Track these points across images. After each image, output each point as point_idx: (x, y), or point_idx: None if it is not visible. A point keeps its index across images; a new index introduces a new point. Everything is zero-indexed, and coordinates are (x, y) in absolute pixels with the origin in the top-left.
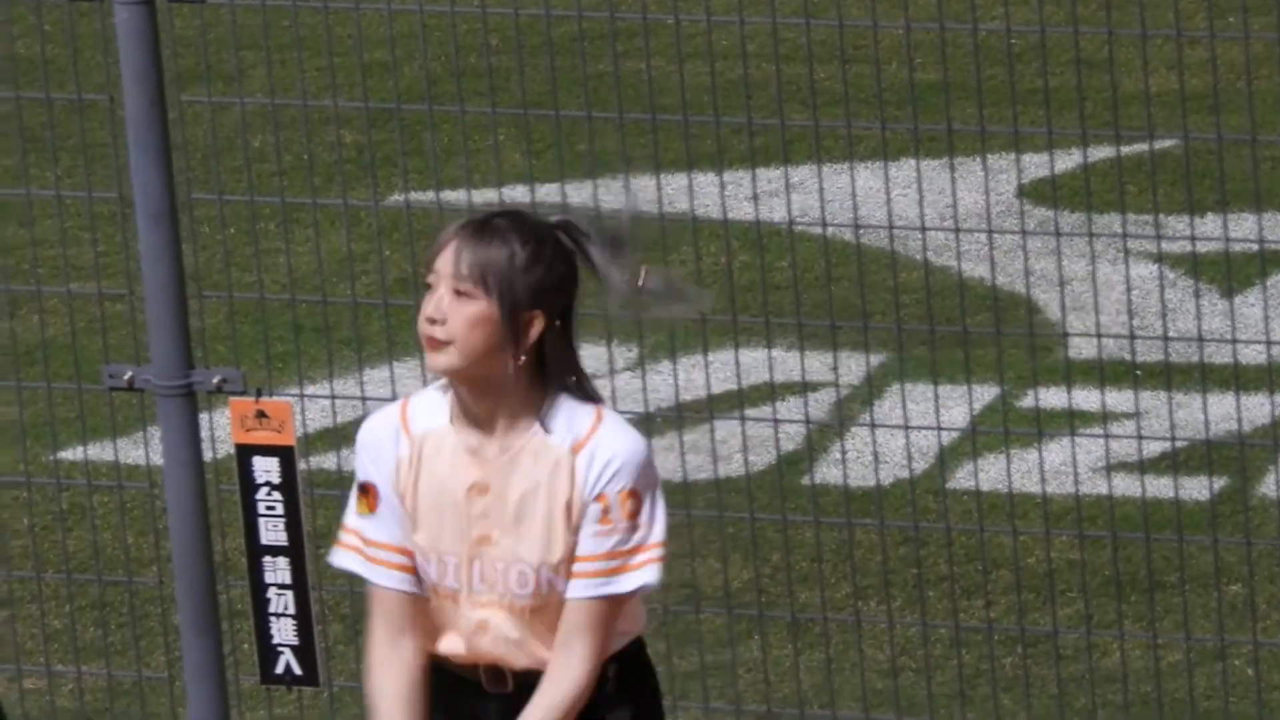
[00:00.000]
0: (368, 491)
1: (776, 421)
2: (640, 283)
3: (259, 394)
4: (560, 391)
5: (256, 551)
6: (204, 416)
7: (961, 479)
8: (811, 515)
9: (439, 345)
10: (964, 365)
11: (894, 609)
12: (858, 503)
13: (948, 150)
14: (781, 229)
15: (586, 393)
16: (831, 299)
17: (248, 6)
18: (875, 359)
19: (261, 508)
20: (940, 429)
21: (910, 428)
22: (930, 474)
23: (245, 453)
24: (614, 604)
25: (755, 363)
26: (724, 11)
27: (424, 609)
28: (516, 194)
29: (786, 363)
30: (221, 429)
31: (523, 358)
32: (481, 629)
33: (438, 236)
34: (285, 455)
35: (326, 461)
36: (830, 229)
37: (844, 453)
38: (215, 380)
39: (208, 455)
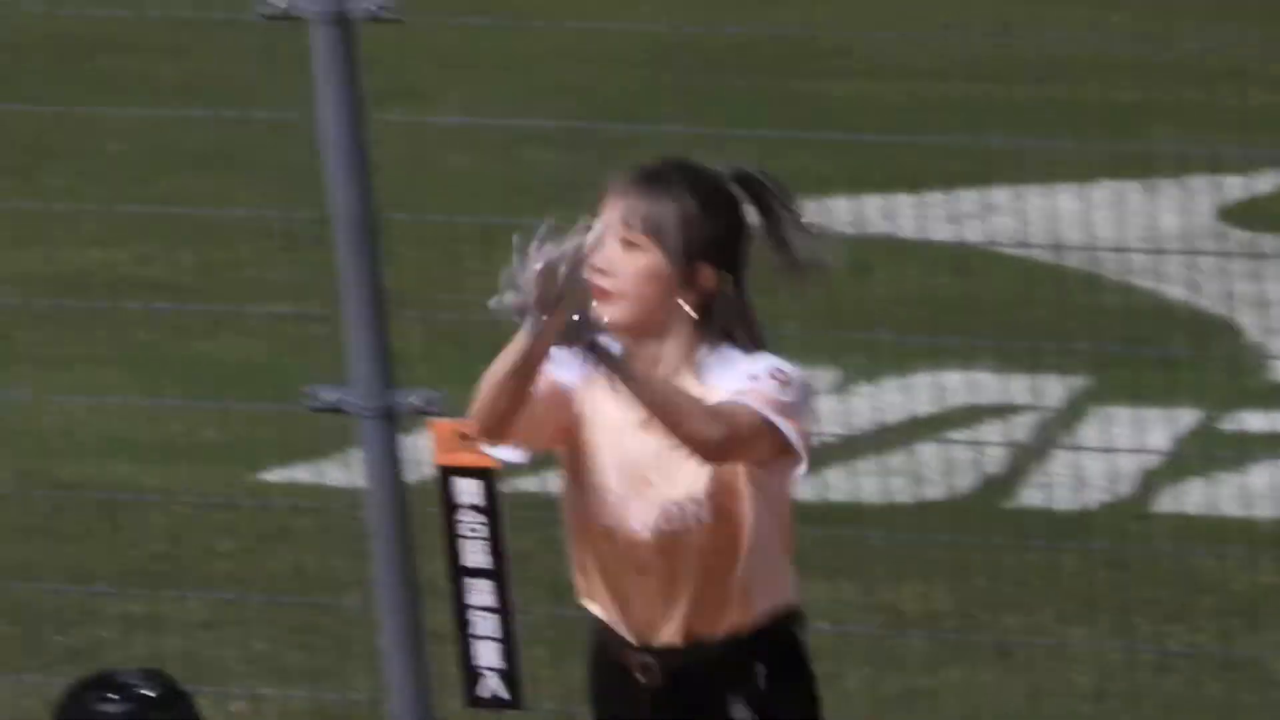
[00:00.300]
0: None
1: (979, 444)
2: (812, 230)
3: (460, 416)
4: (723, 343)
5: (459, 574)
6: (406, 438)
7: (1165, 502)
8: (1015, 539)
9: (607, 296)
10: (1166, 388)
11: (1098, 633)
12: (1061, 526)
13: (1147, 172)
14: (982, 251)
15: (753, 343)
16: (1033, 321)
17: (446, 25)
18: (1077, 381)
19: (464, 530)
20: (1143, 451)
21: (1113, 451)
22: (1134, 497)
23: (447, 475)
24: (760, 423)
25: (957, 385)
26: (922, 31)
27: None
28: None
29: (988, 385)
30: (425, 451)
31: (690, 310)
32: (640, 571)
33: (607, 187)
34: (487, 477)
35: (529, 483)
36: (1031, 251)
37: (1047, 476)
38: (417, 402)
39: (410, 477)
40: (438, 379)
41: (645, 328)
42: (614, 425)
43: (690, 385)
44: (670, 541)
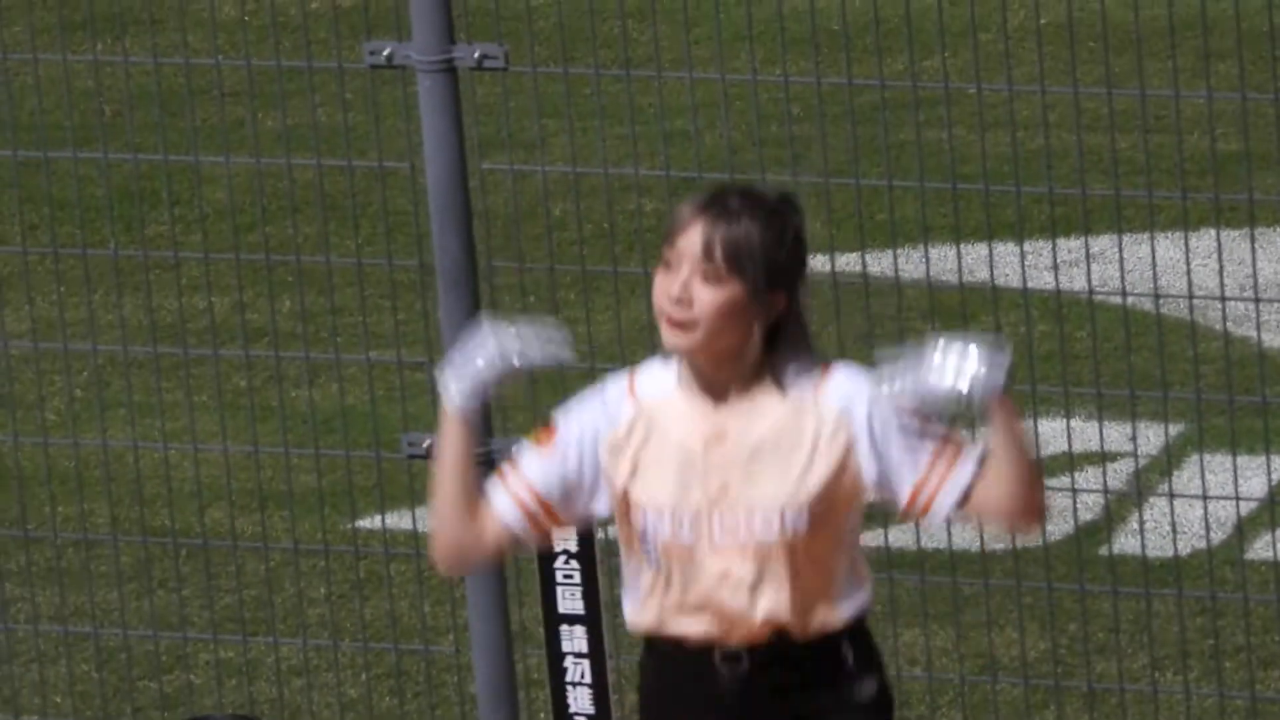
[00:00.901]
0: (549, 429)
1: (1075, 491)
2: None
3: None
4: (791, 359)
5: (553, 620)
6: None
7: (1260, 549)
8: (1109, 585)
9: (683, 326)
10: (1263, 435)
11: (1190, 679)
12: (1155, 573)
13: (1249, 220)
14: (1081, 298)
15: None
16: (1131, 369)
17: (550, 74)
18: (1174, 429)
19: (559, 576)
20: (1239, 499)
21: (1209, 498)
22: (1228, 544)
23: None
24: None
25: (1054, 432)
26: (1026, 81)
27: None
28: (816, 263)
29: (1085, 432)
30: None
31: (761, 333)
32: (723, 579)
33: (674, 214)
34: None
35: None
36: (1130, 299)
37: (1142, 523)
38: (515, 449)
39: None
40: (535, 426)
41: (720, 353)
42: (679, 444)
43: (768, 389)
44: (760, 549)
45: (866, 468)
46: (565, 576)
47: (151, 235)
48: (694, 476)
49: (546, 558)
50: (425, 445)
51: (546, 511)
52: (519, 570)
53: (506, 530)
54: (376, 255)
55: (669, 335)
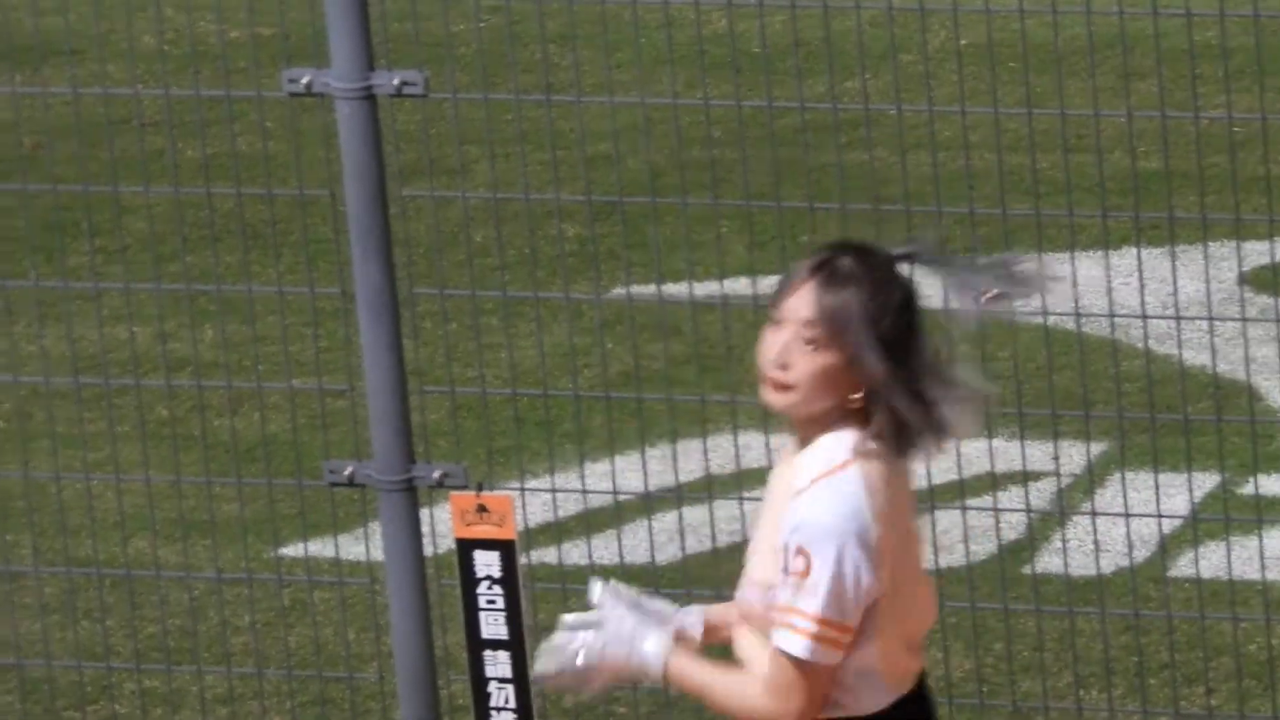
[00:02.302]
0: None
1: (998, 510)
2: (987, 296)
3: (480, 488)
4: (886, 431)
5: (477, 646)
6: (425, 511)
7: (1183, 567)
8: (1033, 604)
9: (782, 389)
10: (1185, 453)
11: (1115, 697)
12: (1079, 591)
13: (1169, 238)
14: (1003, 319)
15: (897, 440)
16: (1053, 388)
17: (470, 100)
18: (1096, 447)
19: (483, 602)
20: (1161, 516)
21: (1131, 515)
22: (1152, 562)
23: (466, 547)
24: (780, 656)
25: (977, 452)
26: (946, 102)
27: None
28: (739, 286)
29: (1008, 452)
30: (442, 524)
31: (856, 401)
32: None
33: (790, 273)
34: (506, 549)
35: (548, 555)
36: (1052, 318)
37: (1065, 541)
38: (436, 475)
39: (428, 550)
40: (458, 452)
41: (813, 419)
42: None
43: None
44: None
45: None
46: (489, 602)
47: (72, 266)
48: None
49: (470, 583)
50: (347, 473)
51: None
52: (443, 596)
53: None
54: (298, 283)
55: (767, 395)
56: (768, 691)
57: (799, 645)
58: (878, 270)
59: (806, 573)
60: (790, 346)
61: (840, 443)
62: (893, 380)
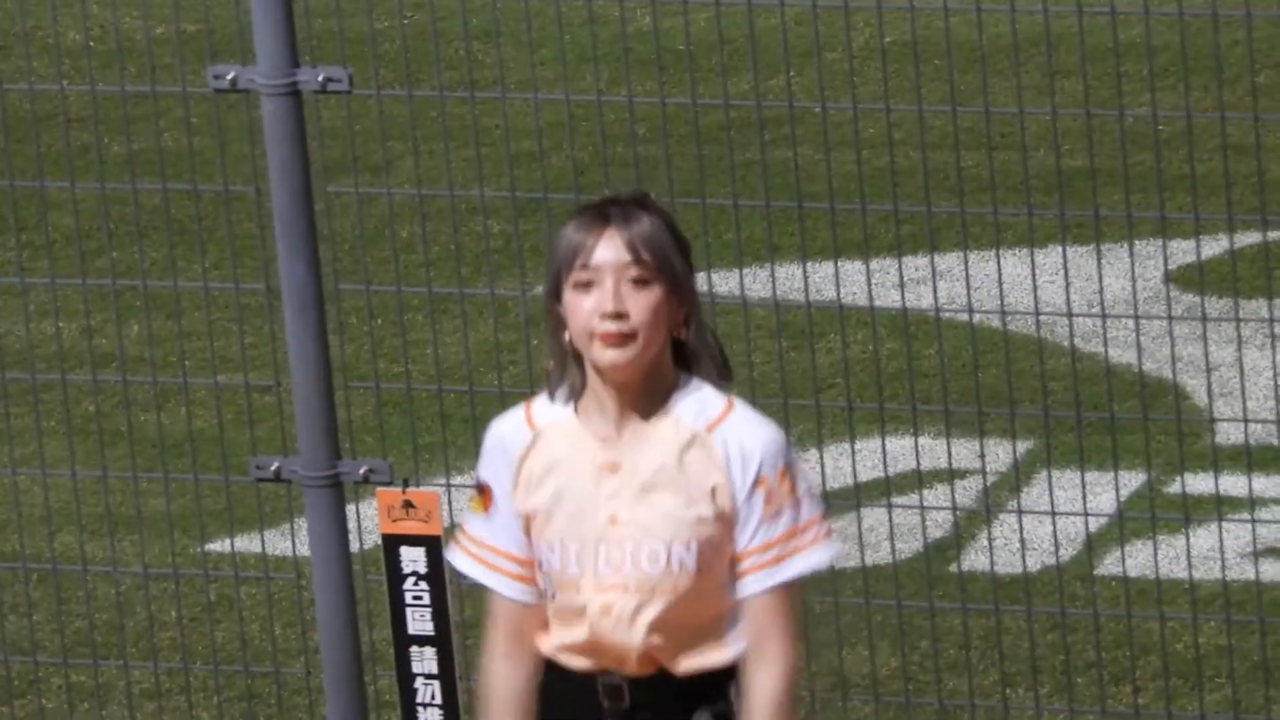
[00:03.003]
0: (483, 492)
1: (924, 509)
2: None
3: (406, 484)
4: (695, 375)
5: (404, 642)
6: (351, 507)
7: (1109, 565)
8: (959, 602)
9: (625, 340)
10: (1111, 452)
11: (1042, 696)
12: (1005, 589)
13: (1095, 237)
14: (928, 316)
15: (721, 375)
16: (979, 386)
17: (394, 97)
18: (1022, 446)
19: (409, 598)
20: (1088, 515)
21: (1058, 514)
22: (1078, 560)
23: (392, 543)
24: (793, 589)
25: (902, 450)
26: (870, 99)
27: (540, 614)
28: None
29: (933, 450)
30: (368, 519)
31: (683, 331)
32: (605, 613)
33: (568, 236)
34: (432, 545)
35: None
36: (977, 316)
37: (991, 540)
38: (362, 471)
39: (355, 546)
40: (384, 448)
41: (647, 366)
42: (571, 474)
43: (663, 417)
44: (643, 584)
45: (737, 511)
46: (415, 598)
47: None
48: (582, 506)
49: (396, 579)
50: (273, 469)
51: (529, 565)
52: (369, 592)
53: (517, 605)
54: (223, 279)
55: (608, 354)
56: (788, 640)
57: (825, 554)
58: (647, 204)
59: (793, 489)
60: (622, 293)
61: (696, 398)
62: (696, 313)
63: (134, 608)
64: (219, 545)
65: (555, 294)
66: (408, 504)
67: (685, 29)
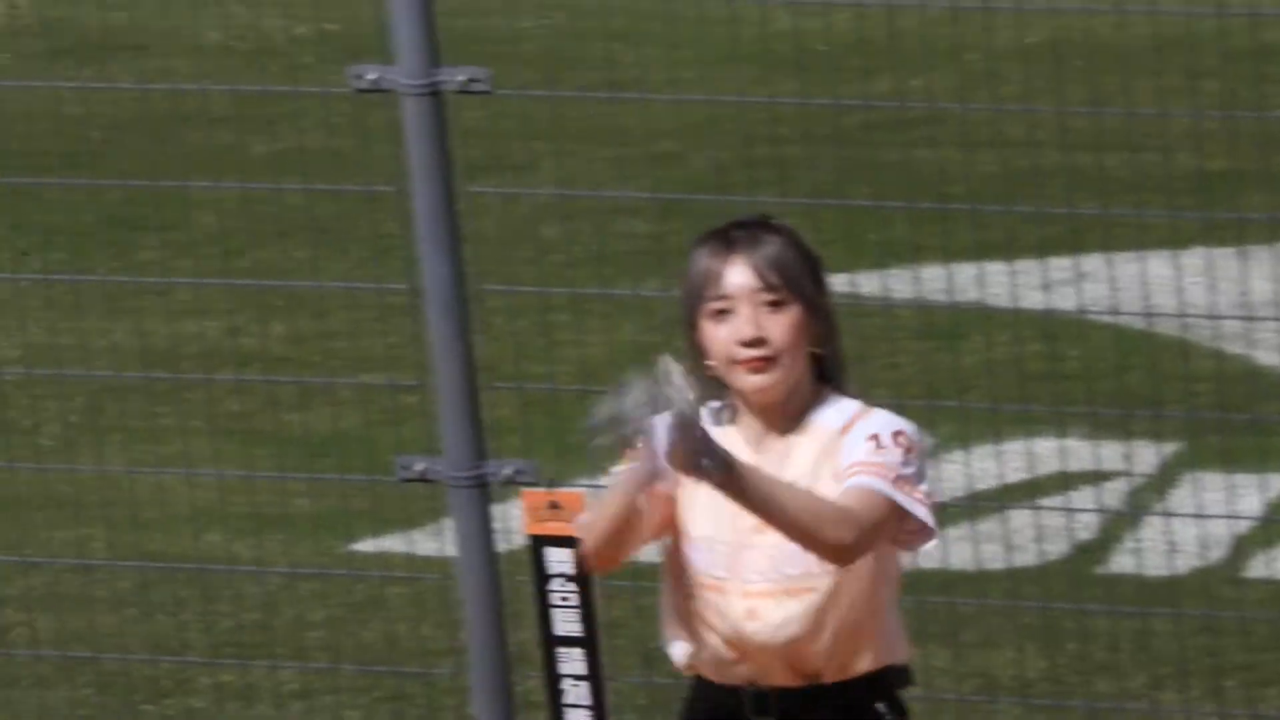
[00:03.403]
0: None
1: (1070, 511)
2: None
3: (551, 485)
4: (833, 385)
5: (551, 643)
6: (498, 508)
7: (1257, 567)
8: (1107, 604)
9: (765, 365)
10: (1257, 453)
11: (1191, 699)
12: (1153, 592)
13: (1239, 238)
14: (1072, 318)
15: (850, 388)
16: (1125, 388)
17: (537, 97)
18: (1168, 448)
19: (555, 599)
20: (1235, 517)
21: (1205, 516)
22: (1226, 562)
23: (538, 544)
24: (889, 507)
25: (1048, 452)
26: (1012, 100)
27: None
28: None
29: (1079, 452)
30: (516, 520)
31: (821, 348)
32: (750, 616)
33: (697, 266)
34: (578, 546)
35: None
36: (1122, 318)
37: (1139, 542)
38: (508, 471)
39: (502, 546)
40: (529, 448)
41: (791, 387)
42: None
43: (807, 424)
44: (786, 589)
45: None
46: (562, 599)
47: (142, 260)
48: (731, 509)
49: (542, 580)
50: (418, 469)
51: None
52: (516, 592)
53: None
54: (366, 279)
55: (752, 379)
56: (845, 519)
57: (926, 516)
58: (770, 225)
59: (908, 451)
60: (758, 319)
61: (837, 408)
62: (834, 327)
63: (281, 607)
64: (366, 545)
65: (691, 323)
66: (553, 505)
67: (827, 30)
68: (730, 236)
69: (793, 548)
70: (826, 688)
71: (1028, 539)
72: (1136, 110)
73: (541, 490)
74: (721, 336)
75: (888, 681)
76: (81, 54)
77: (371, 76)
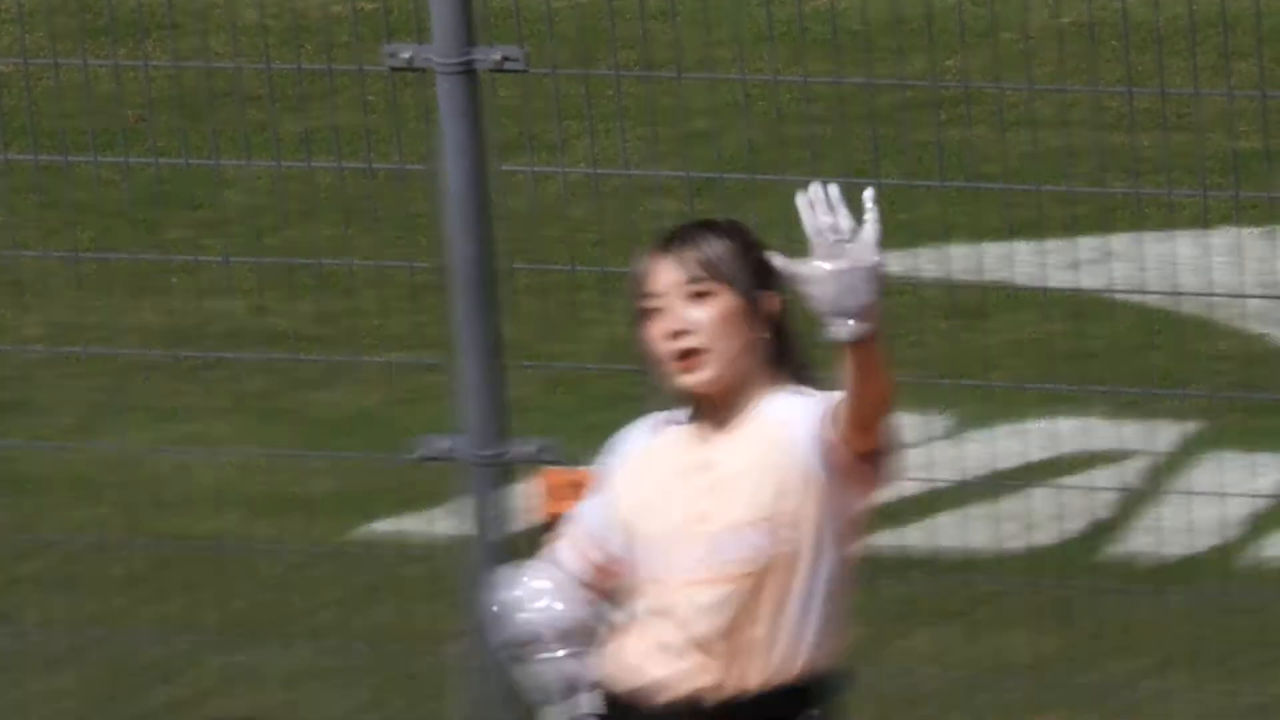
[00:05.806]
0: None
1: (1091, 489)
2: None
3: (573, 464)
4: (793, 379)
5: None
6: (518, 487)
7: (1276, 546)
8: (1122, 584)
9: (696, 357)
10: (1279, 433)
11: (1202, 679)
12: (1169, 571)
13: (1268, 218)
14: (1100, 297)
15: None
16: (1147, 367)
17: (570, 76)
18: (1191, 427)
19: None
20: (1256, 496)
21: (1225, 495)
22: (1243, 542)
23: (555, 524)
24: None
25: (1071, 431)
26: (1046, 80)
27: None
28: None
29: (1102, 431)
30: (534, 499)
31: (766, 336)
32: (689, 604)
33: (636, 269)
34: None
35: None
36: (1147, 297)
37: (1158, 521)
38: (529, 450)
39: (519, 526)
40: (552, 427)
41: (733, 379)
42: (666, 475)
43: (759, 414)
44: (724, 575)
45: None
46: None
47: (172, 238)
48: (675, 502)
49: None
50: (440, 447)
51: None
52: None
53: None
54: (396, 258)
55: (683, 377)
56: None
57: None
58: (717, 224)
59: None
60: (683, 313)
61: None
62: (785, 305)
63: (296, 588)
64: (385, 525)
65: (638, 328)
66: (574, 484)
67: (862, 8)
68: (667, 238)
69: (730, 537)
70: (756, 698)
71: (1047, 518)
72: (1170, 90)
73: (562, 469)
74: (655, 335)
75: (820, 690)
76: (116, 33)
77: (406, 55)
